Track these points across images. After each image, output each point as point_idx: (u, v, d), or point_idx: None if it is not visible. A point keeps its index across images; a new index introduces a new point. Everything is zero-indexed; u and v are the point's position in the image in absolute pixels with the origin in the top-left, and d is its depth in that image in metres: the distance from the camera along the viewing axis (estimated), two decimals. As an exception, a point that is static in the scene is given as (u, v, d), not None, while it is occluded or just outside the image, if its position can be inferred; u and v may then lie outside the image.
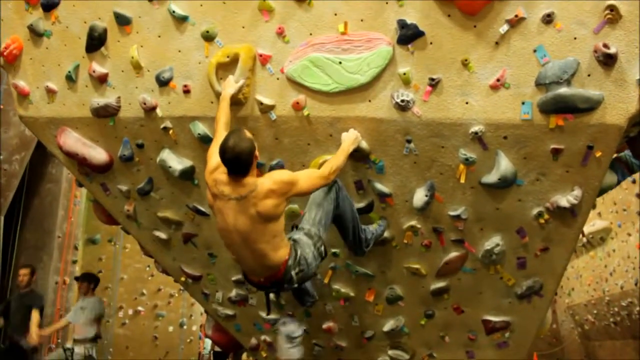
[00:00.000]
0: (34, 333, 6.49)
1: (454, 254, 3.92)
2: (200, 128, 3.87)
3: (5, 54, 4.23)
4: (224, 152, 3.08)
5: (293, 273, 3.31)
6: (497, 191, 3.54)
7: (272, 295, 3.83)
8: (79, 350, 6.79)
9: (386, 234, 3.91)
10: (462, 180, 3.52)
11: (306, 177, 3.29)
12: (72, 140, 4.29)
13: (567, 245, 3.76)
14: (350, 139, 3.45)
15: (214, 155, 3.27)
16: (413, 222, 3.84)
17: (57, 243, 8.97)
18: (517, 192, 3.53)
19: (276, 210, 3.16)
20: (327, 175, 3.32)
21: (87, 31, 3.99)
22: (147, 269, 10.87)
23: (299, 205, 3.94)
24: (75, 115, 4.23)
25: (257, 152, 3.18)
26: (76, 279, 7.75)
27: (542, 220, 3.60)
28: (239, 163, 3.09)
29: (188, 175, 4.12)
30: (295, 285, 3.41)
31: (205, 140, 3.89)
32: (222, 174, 3.21)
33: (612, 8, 2.97)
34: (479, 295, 4.10)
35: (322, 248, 3.43)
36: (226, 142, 3.09)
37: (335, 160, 3.38)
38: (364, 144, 3.56)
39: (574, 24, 3.06)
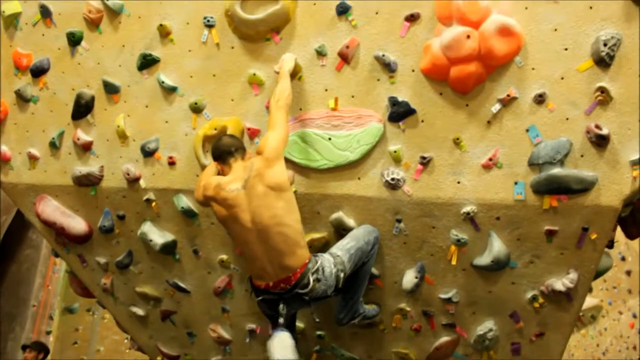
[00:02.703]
0: None
1: (444, 339, 3.75)
2: (184, 201, 3.79)
3: (-11, 118, 4.20)
4: (216, 140, 3.28)
5: (311, 277, 3.04)
6: (490, 273, 3.43)
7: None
8: None
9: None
10: (454, 262, 3.42)
11: (276, 126, 3.12)
12: (51, 209, 4.22)
13: (564, 330, 3.61)
14: (286, 60, 3.33)
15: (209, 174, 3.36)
16: (402, 305, 3.70)
17: (32, 312, 8.65)
18: (511, 275, 3.42)
19: (282, 175, 3.06)
20: (277, 103, 3.15)
21: (75, 98, 3.97)
22: (125, 341, 10.46)
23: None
24: (56, 183, 4.17)
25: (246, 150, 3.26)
26: (23, 347, 6.79)
27: (536, 304, 3.47)
28: (232, 143, 3.20)
29: (169, 249, 4.00)
30: (307, 297, 3.07)
31: (189, 214, 3.81)
32: (220, 179, 3.18)
33: (602, 90, 2.98)
34: (471, 382, 3.91)
35: (341, 274, 3.17)
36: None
37: (278, 87, 3.21)
38: (352, 223, 3.47)
39: (566, 105, 3.05)
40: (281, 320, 3.09)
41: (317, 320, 3.32)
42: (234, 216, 3.09)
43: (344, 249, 3.25)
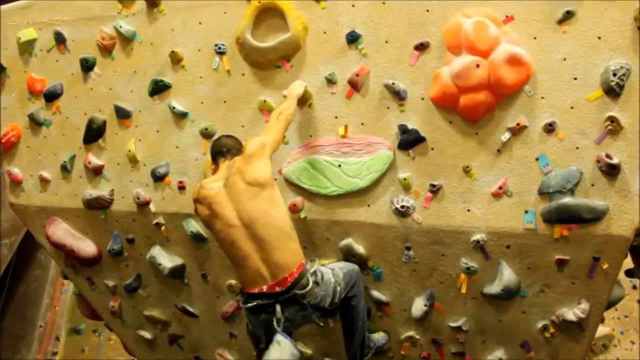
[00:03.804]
0: None
1: (454, 367, 3.71)
2: (193, 226, 3.80)
3: (3, 141, 4.26)
4: (217, 139, 3.31)
5: (310, 278, 2.92)
6: (500, 302, 3.39)
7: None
8: None
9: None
10: (464, 290, 3.39)
11: (269, 131, 3.14)
12: (61, 232, 4.25)
13: (576, 361, 3.56)
14: (295, 85, 3.34)
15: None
16: (411, 333, 3.66)
17: (38, 333, 8.60)
18: (521, 304, 3.38)
19: (263, 171, 2.99)
20: (279, 115, 3.16)
21: (86, 122, 4.02)
22: (131, 363, 10.38)
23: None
24: (67, 206, 4.20)
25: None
26: None
27: (547, 334, 3.42)
28: (226, 143, 3.19)
29: (178, 273, 4.00)
30: (306, 301, 2.92)
31: (198, 239, 3.81)
32: (203, 180, 3.20)
33: (612, 119, 2.97)
34: (481, 413, 3.84)
35: (338, 288, 3.08)
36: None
37: (283, 104, 3.23)
38: (362, 250, 3.46)
39: (576, 134, 3.04)
40: (278, 326, 2.88)
41: (322, 325, 3.20)
42: (217, 214, 3.00)
43: (336, 267, 3.24)
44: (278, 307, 2.91)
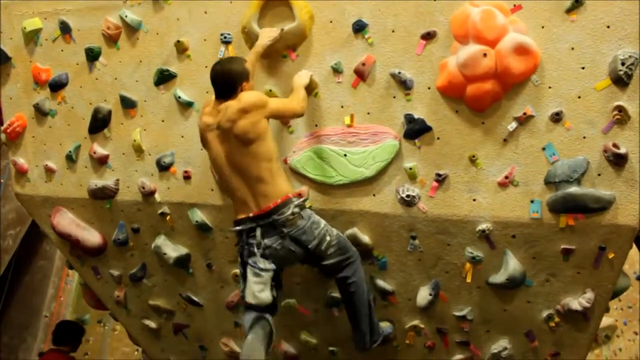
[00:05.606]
0: None
1: (458, 357, 3.72)
2: (199, 215, 3.80)
3: (8, 131, 4.28)
4: (213, 68, 3.17)
5: (293, 209, 3.02)
6: (505, 292, 3.40)
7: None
8: None
9: (387, 333, 3.71)
10: (469, 280, 3.39)
11: (278, 100, 3.21)
12: (67, 221, 4.26)
13: (580, 351, 3.57)
14: (301, 75, 3.35)
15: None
16: (416, 322, 3.67)
17: (44, 323, 8.64)
18: (526, 293, 3.38)
19: (254, 128, 3.01)
20: (300, 102, 3.18)
21: (92, 112, 4.02)
22: (136, 353, 10.41)
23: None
24: (72, 196, 4.21)
25: (250, 81, 3.14)
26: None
27: (552, 324, 3.43)
28: (224, 80, 3.10)
29: (183, 263, 4.01)
30: (285, 230, 3.02)
31: (203, 228, 3.82)
32: (208, 106, 3.21)
33: (620, 109, 2.95)
34: (485, 402, 3.85)
35: (327, 238, 3.15)
36: (219, 60, 3.28)
37: (299, 95, 3.22)
38: (367, 239, 3.47)
39: (583, 123, 3.02)
40: (258, 249, 3.02)
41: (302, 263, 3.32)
42: (208, 144, 3.18)
43: (338, 232, 3.29)
44: (258, 232, 3.03)
